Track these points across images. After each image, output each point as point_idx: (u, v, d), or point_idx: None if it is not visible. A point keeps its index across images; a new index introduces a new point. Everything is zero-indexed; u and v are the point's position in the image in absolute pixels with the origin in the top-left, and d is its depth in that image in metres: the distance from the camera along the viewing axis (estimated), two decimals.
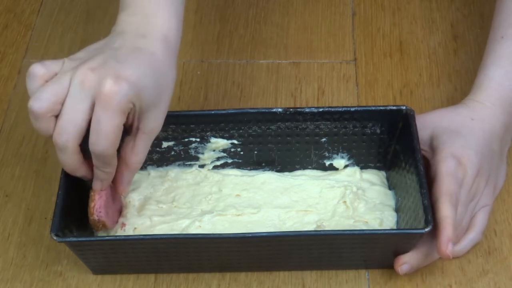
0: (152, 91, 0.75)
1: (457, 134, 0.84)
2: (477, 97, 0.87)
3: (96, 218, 0.80)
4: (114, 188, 0.81)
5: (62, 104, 0.73)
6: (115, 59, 0.74)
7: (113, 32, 0.79)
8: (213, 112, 0.87)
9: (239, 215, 0.86)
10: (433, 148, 0.84)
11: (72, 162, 0.76)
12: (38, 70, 0.75)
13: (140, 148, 0.78)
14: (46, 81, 0.74)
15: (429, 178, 0.82)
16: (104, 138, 0.73)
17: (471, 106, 0.87)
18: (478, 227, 0.83)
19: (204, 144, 0.88)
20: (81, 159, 0.77)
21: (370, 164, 0.90)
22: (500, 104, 0.86)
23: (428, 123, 0.86)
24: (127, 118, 0.75)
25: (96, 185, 0.79)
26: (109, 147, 0.74)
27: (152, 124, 0.77)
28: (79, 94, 0.73)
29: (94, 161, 0.76)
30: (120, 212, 0.86)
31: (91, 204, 0.80)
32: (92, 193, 0.80)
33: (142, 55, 0.76)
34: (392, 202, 0.87)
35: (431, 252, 0.81)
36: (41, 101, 0.73)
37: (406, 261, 0.80)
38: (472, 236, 0.83)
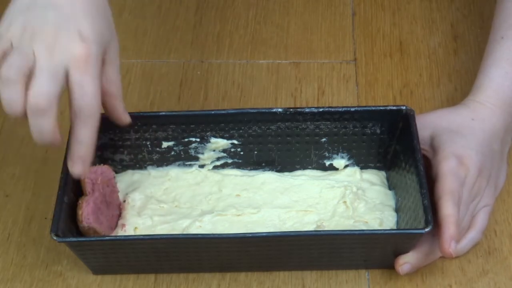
0: (108, 32, 0.76)
1: (457, 134, 0.84)
2: (477, 97, 0.87)
3: (86, 225, 0.80)
4: (117, 123, 0.81)
5: (31, 70, 0.72)
6: (68, 20, 0.73)
7: None
8: (213, 112, 0.87)
9: (239, 215, 0.86)
10: (434, 148, 0.84)
11: (53, 124, 0.74)
12: None
13: (115, 76, 0.79)
14: (4, 52, 0.73)
15: (430, 178, 0.82)
16: (91, 97, 0.73)
17: (471, 106, 0.87)
18: (479, 227, 0.83)
19: (204, 144, 0.88)
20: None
21: (370, 164, 0.89)
22: (500, 105, 0.86)
23: (428, 123, 0.86)
24: None
25: (78, 167, 0.77)
26: (97, 101, 0.74)
27: (115, 53, 0.78)
28: (51, 62, 0.72)
29: (77, 119, 0.74)
30: (118, 216, 0.86)
31: (79, 212, 0.80)
32: (80, 201, 0.80)
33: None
34: (392, 202, 0.87)
35: (431, 252, 0.81)
36: (12, 67, 0.72)
37: (407, 261, 0.80)
38: (472, 235, 0.83)
